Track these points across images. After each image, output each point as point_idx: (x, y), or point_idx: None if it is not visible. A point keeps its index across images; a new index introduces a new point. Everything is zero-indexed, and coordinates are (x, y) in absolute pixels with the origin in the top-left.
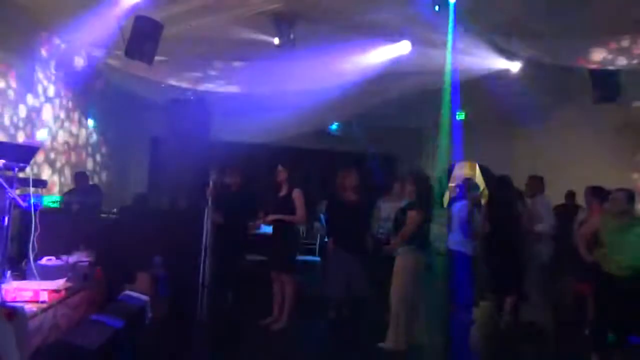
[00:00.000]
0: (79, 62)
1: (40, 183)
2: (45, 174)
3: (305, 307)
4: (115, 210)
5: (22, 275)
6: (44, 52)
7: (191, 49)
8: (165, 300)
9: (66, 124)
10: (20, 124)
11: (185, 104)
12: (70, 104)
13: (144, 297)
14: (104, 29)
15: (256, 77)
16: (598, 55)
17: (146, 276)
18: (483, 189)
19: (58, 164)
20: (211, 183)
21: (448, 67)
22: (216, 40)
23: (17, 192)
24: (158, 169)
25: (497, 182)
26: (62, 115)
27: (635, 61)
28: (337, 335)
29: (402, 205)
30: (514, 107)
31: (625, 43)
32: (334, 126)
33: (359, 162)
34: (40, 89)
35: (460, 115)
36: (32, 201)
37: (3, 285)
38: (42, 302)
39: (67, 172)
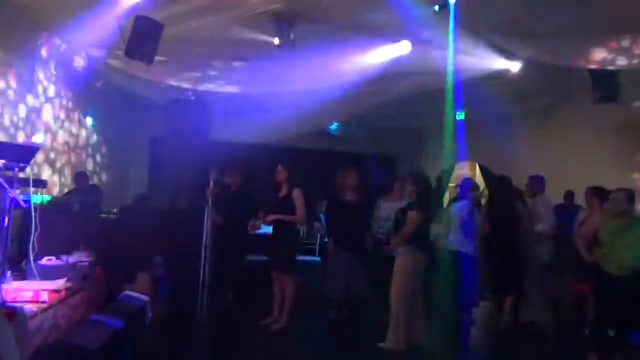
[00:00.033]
0: (79, 62)
1: (40, 183)
2: (46, 174)
3: (305, 307)
4: (115, 210)
5: (22, 275)
6: (44, 52)
7: (191, 49)
8: (165, 300)
9: (66, 124)
10: (20, 124)
11: (185, 104)
12: (70, 104)
13: (144, 297)
14: (104, 29)
15: (256, 77)
16: (598, 55)
17: (146, 276)
18: (483, 189)
19: (58, 164)
20: (211, 183)
21: (450, 67)
22: (216, 40)
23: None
24: (158, 169)
25: (497, 182)
26: (62, 115)
27: (635, 61)
28: (337, 335)
29: (402, 205)
30: (514, 107)
31: (625, 43)
32: (334, 126)
33: (358, 162)
34: (40, 89)
35: (460, 115)
36: (32, 201)
37: (3, 285)
38: (42, 302)
39: (67, 172)
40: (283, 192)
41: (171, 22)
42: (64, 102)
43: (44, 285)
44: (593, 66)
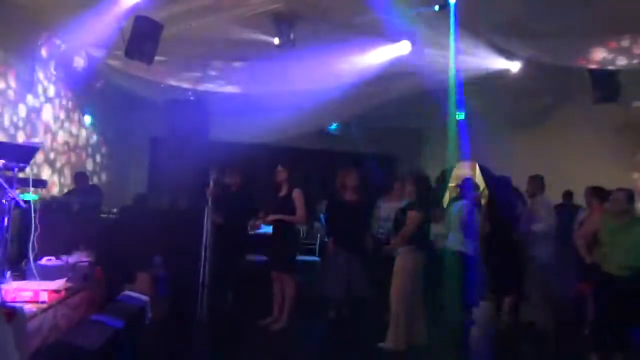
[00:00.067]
0: (79, 62)
1: (40, 183)
2: (45, 174)
3: (305, 307)
4: (115, 210)
5: (22, 275)
6: (44, 52)
7: (191, 49)
8: (165, 300)
9: (66, 124)
10: (20, 124)
11: (184, 104)
12: (70, 104)
13: (144, 297)
14: (104, 29)
15: (256, 77)
16: (598, 55)
17: (146, 276)
18: (483, 189)
19: (58, 164)
20: (211, 183)
21: (452, 67)
22: (216, 40)
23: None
24: (158, 169)
25: (497, 182)
26: (62, 115)
27: (635, 61)
28: (337, 335)
29: (402, 205)
30: (514, 107)
31: (625, 43)
32: (334, 126)
33: (358, 162)
34: (40, 89)
35: (460, 115)
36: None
37: (3, 286)
38: (42, 302)
39: (67, 172)
40: (283, 192)
41: (171, 22)
42: (64, 102)
43: (43, 285)
44: (593, 66)
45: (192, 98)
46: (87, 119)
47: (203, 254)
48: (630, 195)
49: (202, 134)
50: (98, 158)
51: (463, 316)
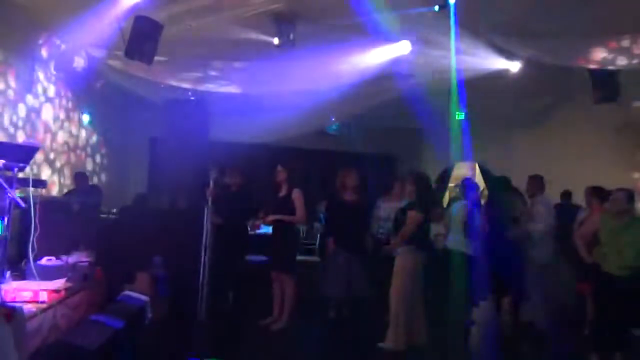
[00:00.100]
0: (79, 62)
1: (39, 183)
2: (45, 174)
3: (305, 307)
4: (115, 210)
5: (21, 275)
6: (43, 52)
7: (191, 49)
8: (165, 300)
9: (66, 125)
10: (20, 124)
11: (184, 104)
12: (70, 104)
13: (144, 297)
14: (104, 29)
15: (256, 77)
16: (598, 55)
17: (146, 276)
18: (483, 189)
19: (58, 164)
20: (211, 183)
21: (453, 67)
22: (216, 40)
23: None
24: (158, 169)
25: (496, 182)
26: (62, 115)
27: (635, 61)
28: (337, 335)
29: (402, 205)
30: (514, 107)
31: (625, 43)
32: (334, 126)
33: (358, 162)
34: (40, 89)
35: (460, 115)
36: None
37: (2, 286)
38: (42, 302)
39: (67, 172)
40: (283, 192)
41: (171, 22)
42: (64, 102)
43: (43, 285)
44: (593, 66)
45: (192, 98)
46: (85, 118)
47: (203, 254)
48: (630, 195)
49: (202, 134)
50: (98, 158)
51: (463, 316)
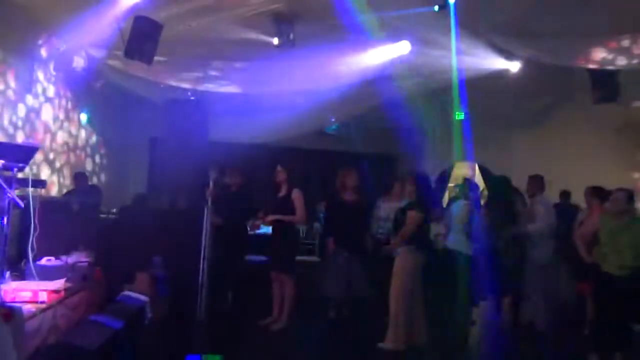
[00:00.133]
0: (79, 62)
1: (39, 183)
2: (45, 174)
3: (305, 307)
4: (114, 210)
5: (21, 275)
6: (43, 52)
7: (191, 49)
8: (165, 301)
9: (65, 125)
10: (20, 124)
11: (184, 104)
12: (69, 105)
13: (144, 298)
14: (103, 29)
15: (256, 77)
16: (598, 55)
17: (145, 276)
18: (482, 189)
19: (57, 164)
20: (211, 183)
21: (454, 67)
22: (216, 40)
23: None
24: (157, 169)
25: (496, 182)
26: (62, 115)
27: (635, 61)
28: (337, 335)
29: (402, 205)
30: (514, 107)
31: (625, 43)
32: (333, 127)
33: (358, 162)
34: (39, 89)
35: (460, 115)
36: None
37: (2, 286)
38: (41, 302)
39: (66, 172)
40: (282, 192)
41: (171, 22)
42: (64, 102)
43: (43, 285)
44: (593, 66)
45: (192, 98)
46: (83, 117)
47: (202, 254)
48: (630, 196)
49: (201, 134)
50: (97, 158)
51: (463, 316)
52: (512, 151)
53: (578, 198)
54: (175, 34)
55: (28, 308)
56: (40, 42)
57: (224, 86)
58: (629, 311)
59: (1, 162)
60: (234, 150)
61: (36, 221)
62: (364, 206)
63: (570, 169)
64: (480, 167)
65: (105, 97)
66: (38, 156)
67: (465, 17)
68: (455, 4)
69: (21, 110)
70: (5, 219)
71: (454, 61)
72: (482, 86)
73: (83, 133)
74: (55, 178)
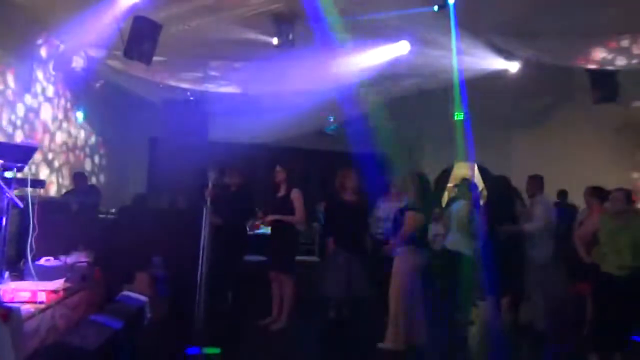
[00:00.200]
0: (78, 62)
1: (38, 183)
2: (43, 174)
3: (305, 308)
4: (113, 210)
5: (20, 275)
6: (43, 52)
7: (190, 49)
8: (165, 301)
9: (64, 125)
10: (19, 124)
11: (184, 104)
12: (68, 105)
13: (143, 298)
14: (103, 29)
15: (256, 77)
16: (597, 55)
17: (145, 276)
18: (482, 189)
19: (56, 164)
20: (210, 183)
21: (455, 68)
22: (216, 40)
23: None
24: (157, 169)
25: (495, 183)
26: (61, 115)
27: (635, 61)
28: (336, 335)
29: (401, 205)
30: (513, 107)
31: (624, 43)
32: (333, 126)
33: (358, 162)
34: (39, 88)
35: (460, 115)
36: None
37: (1, 286)
38: (40, 302)
39: (65, 172)
40: (282, 192)
41: (171, 22)
42: (63, 102)
43: (42, 285)
44: (593, 66)
45: (191, 98)
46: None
47: (202, 254)
48: (629, 195)
49: (201, 134)
50: (97, 158)
51: (462, 316)
52: (511, 151)
53: (578, 198)
54: (174, 34)
55: (27, 308)
56: (39, 41)
57: (223, 86)
58: (628, 311)
59: (0, 162)
60: (233, 150)
61: (35, 221)
62: (364, 206)
63: (569, 169)
64: (479, 167)
65: (104, 97)
66: (37, 156)
67: (464, 17)
68: (454, 4)
69: (20, 109)
70: (4, 219)
71: (453, 61)
72: (481, 86)
73: (82, 133)
74: (54, 178)
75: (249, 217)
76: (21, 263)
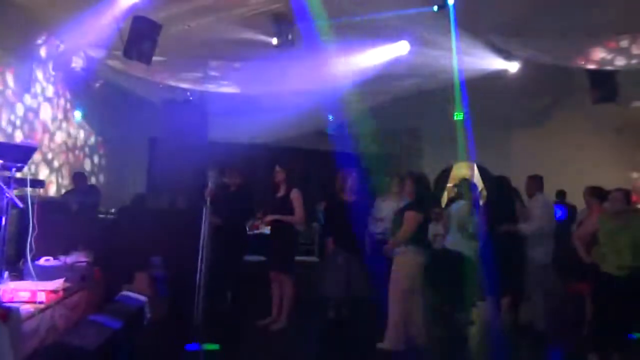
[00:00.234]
0: (78, 62)
1: (37, 183)
2: (43, 174)
3: (304, 308)
4: (113, 210)
5: (19, 275)
6: (42, 52)
7: (190, 49)
8: (164, 301)
9: (64, 124)
10: (18, 124)
11: (183, 104)
12: (68, 105)
13: (143, 298)
14: (102, 29)
15: (256, 77)
16: (597, 56)
17: (144, 276)
18: (481, 189)
19: (56, 164)
20: (209, 184)
21: (455, 68)
22: (215, 40)
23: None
24: (156, 169)
25: (495, 183)
26: (60, 115)
27: (634, 61)
28: (336, 335)
29: (401, 205)
30: (513, 107)
31: (624, 43)
32: (333, 126)
33: (358, 162)
34: (38, 88)
35: (459, 115)
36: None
37: (0, 286)
38: (40, 302)
39: (65, 172)
40: (281, 192)
41: (170, 22)
42: (62, 102)
43: (41, 285)
44: (592, 66)
45: (190, 98)
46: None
47: (201, 254)
48: (628, 195)
49: (201, 134)
50: (96, 158)
51: (462, 316)
52: (511, 151)
53: (577, 198)
54: (174, 34)
55: (26, 308)
56: (39, 41)
57: (223, 86)
58: (627, 311)
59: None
60: (233, 150)
61: (35, 221)
62: (364, 206)
63: (569, 169)
64: (479, 167)
65: (104, 97)
66: (36, 156)
67: (464, 17)
68: (454, 4)
69: (20, 109)
70: (3, 219)
71: (453, 61)
72: (481, 86)
73: (82, 133)
74: (53, 178)
75: (248, 217)
76: (21, 263)
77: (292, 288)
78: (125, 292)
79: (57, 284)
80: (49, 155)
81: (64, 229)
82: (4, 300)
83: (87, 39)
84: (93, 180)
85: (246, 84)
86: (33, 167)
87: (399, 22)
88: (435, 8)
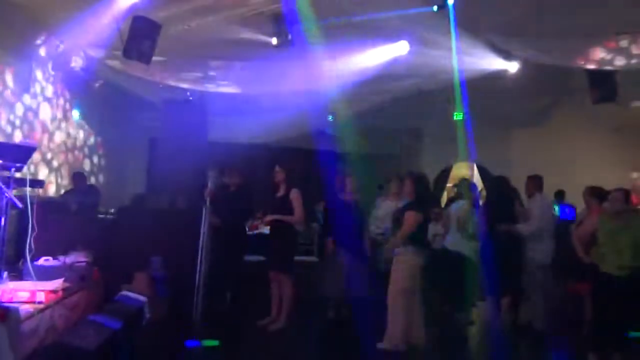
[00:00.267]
0: (77, 62)
1: (37, 183)
2: (42, 173)
3: (304, 308)
4: (113, 210)
5: (19, 275)
6: (42, 52)
7: (190, 49)
8: (164, 301)
9: (63, 124)
10: (17, 124)
11: (183, 104)
12: (67, 104)
13: (142, 298)
14: (102, 29)
15: (255, 77)
16: (596, 56)
17: (144, 276)
18: (481, 189)
19: (55, 164)
20: (209, 183)
21: (455, 68)
22: (215, 40)
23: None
24: (156, 170)
25: (494, 183)
26: (60, 115)
27: (634, 61)
28: (336, 335)
29: (401, 205)
30: (513, 107)
31: (623, 43)
32: (333, 127)
33: (358, 162)
34: (38, 88)
35: (459, 116)
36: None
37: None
38: (39, 302)
39: (64, 172)
40: (281, 192)
41: (170, 22)
42: (62, 102)
43: (41, 285)
44: (592, 66)
45: (190, 98)
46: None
47: (201, 254)
48: (628, 195)
49: (200, 134)
50: (96, 158)
51: (462, 316)
52: (510, 151)
53: (577, 198)
54: (174, 34)
55: (26, 308)
56: (39, 41)
57: (223, 86)
58: (627, 311)
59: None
60: (232, 150)
61: (34, 221)
62: (363, 206)
63: (568, 168)
64: (479, 167)
65: (103, 97)
66: (36, 156)
67: (463, 17)
68: (454, 4)
69: (19, 109)
70: (3, 219)
71: (453, 61)
72: (480, 86)
73: (81, 133)
74: (53, 178)
75: (248, 217)
76: (20, 263)
77: (292, 288)
78: (124, 292)
79: (57, 284)
80: (49, 155)
81: (63, 229)
82: (3, 300)
83: (87, 39)
84: (92, 180)
85: (246, 84)
86: (32, 167)
87: (399, 22)
88: (435, 8)
